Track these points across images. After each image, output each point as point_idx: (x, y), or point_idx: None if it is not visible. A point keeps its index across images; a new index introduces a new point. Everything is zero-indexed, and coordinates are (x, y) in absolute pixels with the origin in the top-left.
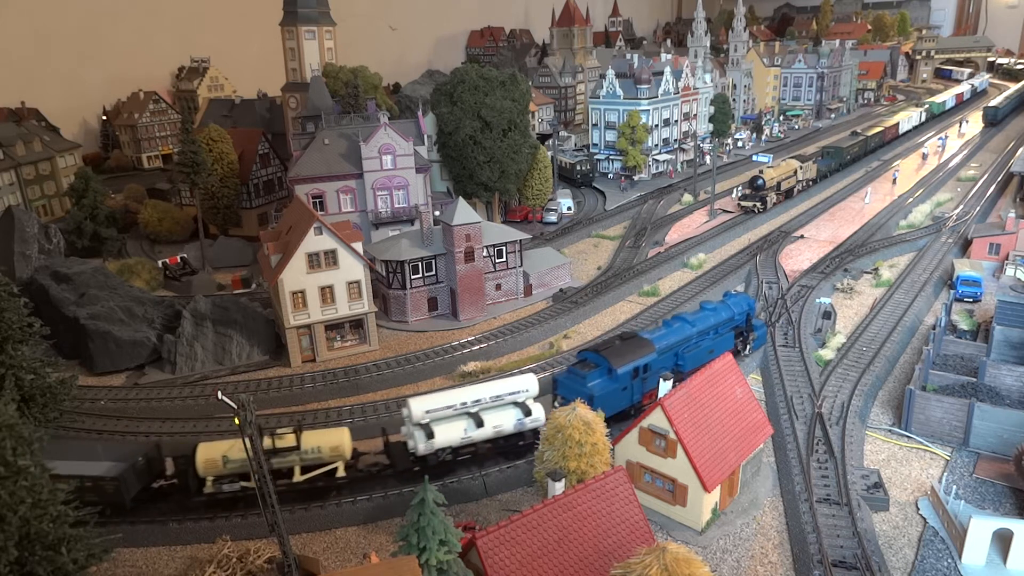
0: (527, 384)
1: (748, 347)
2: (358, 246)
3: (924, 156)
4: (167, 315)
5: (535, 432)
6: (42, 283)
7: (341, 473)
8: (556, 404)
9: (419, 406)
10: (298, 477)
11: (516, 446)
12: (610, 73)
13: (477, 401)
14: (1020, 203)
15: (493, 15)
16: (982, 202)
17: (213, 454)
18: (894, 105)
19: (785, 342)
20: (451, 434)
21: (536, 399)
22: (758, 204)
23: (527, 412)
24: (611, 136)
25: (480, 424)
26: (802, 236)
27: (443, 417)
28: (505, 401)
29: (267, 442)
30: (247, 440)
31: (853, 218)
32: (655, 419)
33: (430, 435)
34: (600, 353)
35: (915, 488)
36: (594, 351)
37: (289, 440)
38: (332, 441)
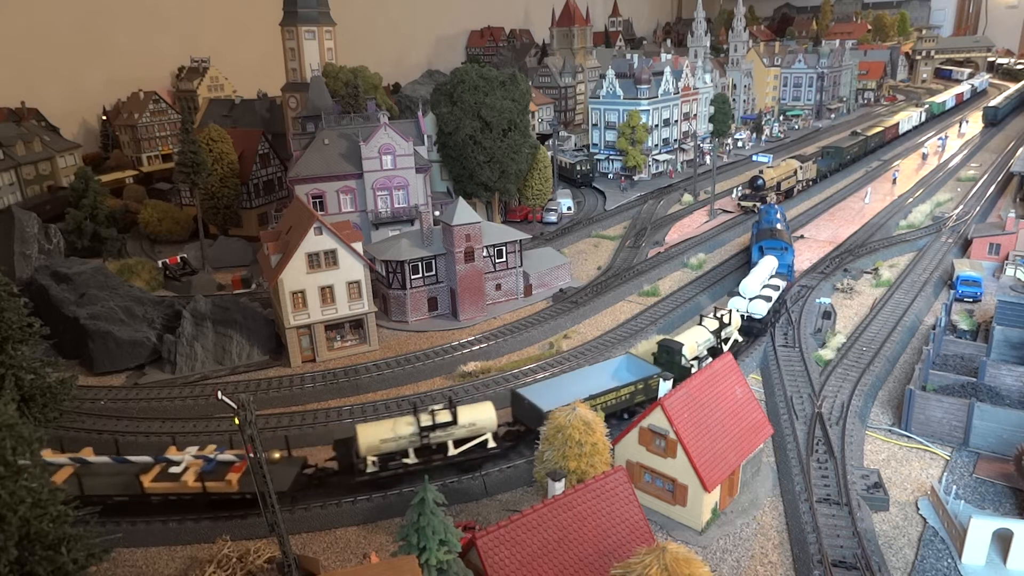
0: (775, 263)
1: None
2: (358, 246)
3: (924, 156)
4: (167, 315)
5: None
6: (42, 283)
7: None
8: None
9: (753, 284)
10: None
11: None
12: (610, 73)
13: (770, 276)
14: (1020, 203)
15: (493, 15)
16: (982, 202)
17: (695, 340)
18: (894, 105)
19: (785, 342)
20: (774, 297)
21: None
22: (758, 204)
23: (785, 280)
24: (611, 136)
25: (778, 289)
26: (802, 236)
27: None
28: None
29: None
30: (246, 440)
31: (853, 218)
32: (655, 419)
33: (768, 299)
34: (776, 237)
35: (915, 488)
36: (770, 238)
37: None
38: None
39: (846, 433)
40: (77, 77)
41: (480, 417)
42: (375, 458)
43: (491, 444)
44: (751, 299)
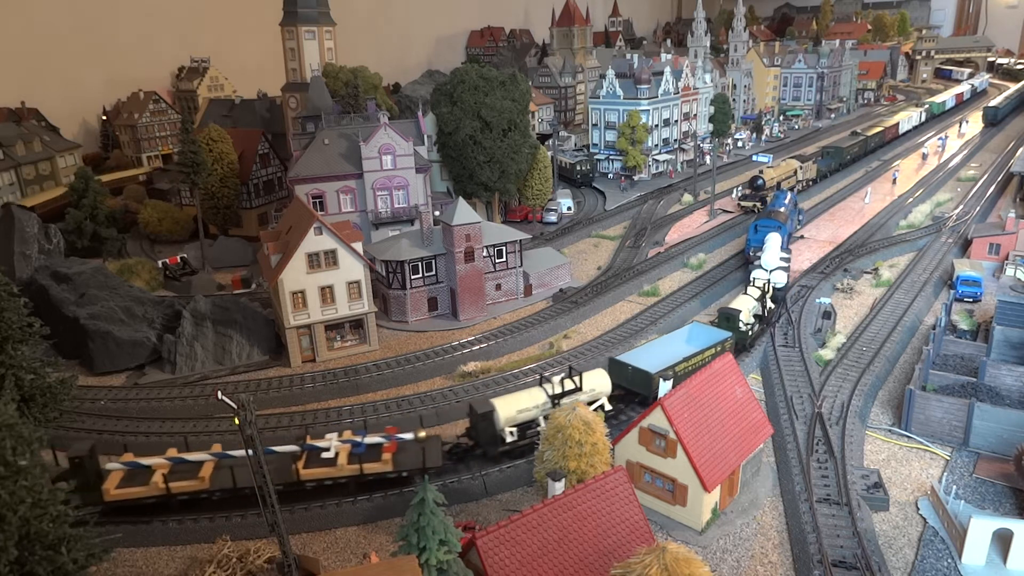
0: (779, 238)
1: (800, 220)
2: (358, 246)
3: (924, 156)
4: (167, 315)
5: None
6: (42, 283)
7: None
8: (751, 253)
9: (772, 258)
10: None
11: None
12: (610, 73)
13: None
14: (1020, 203)
15: (493, 15)
16: (982, 202)
17: (746, 307)
18: (894, 105)
19: (785, 342)
20: (789, 268)
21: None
22: (758, 204)
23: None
24: (611, 136)
25: (788, 261)
26: (802, 236)
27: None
28: None
29: None
30: (246, 440)
31: (853, 218)
32: (655, 419)
33: (785, 270)
34: (772, 217)
35: (915, 488)
36: (766, 217)
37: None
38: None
39: (846, 433)
40: (77, 77)
41: (597, 383)
42: (513, 428)
43: (607, 407)
44: (772, 271)
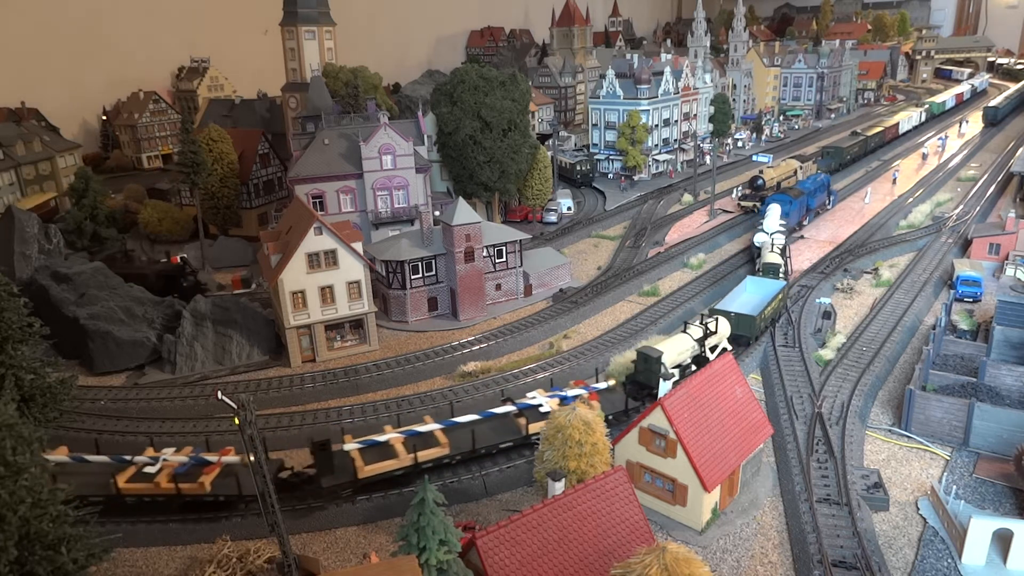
0: (779, 209)
1: (831, 200)
2: (358, 246)
3: (924, 156)
4: (167, 315)
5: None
6: (42, 283)
7: None
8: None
9: (772, 223)
10: None
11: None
12: (610, 73)
13: (780, 218)
14: (1020, 203)
15: (493, 15)
16: (982, 202)
17: (776, 261)
18: (894, 105)
19: (785, 342)
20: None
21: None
22: (758, 204)
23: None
24: (611, 136)
25: (785, 227)
26: (802, 236)
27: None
28: None
29: None
30: (246, 440)
31: (853, 218)
32: (655, 419)
33: (783, 234)
34: (785, 194)
35: (915, 488)
36: (781, 193)
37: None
38: None
39: (846, 433)
40: (77, 77)
41: (723, 328)
42: (675, 369)
43: (729, 348)
44: (772, 234)
